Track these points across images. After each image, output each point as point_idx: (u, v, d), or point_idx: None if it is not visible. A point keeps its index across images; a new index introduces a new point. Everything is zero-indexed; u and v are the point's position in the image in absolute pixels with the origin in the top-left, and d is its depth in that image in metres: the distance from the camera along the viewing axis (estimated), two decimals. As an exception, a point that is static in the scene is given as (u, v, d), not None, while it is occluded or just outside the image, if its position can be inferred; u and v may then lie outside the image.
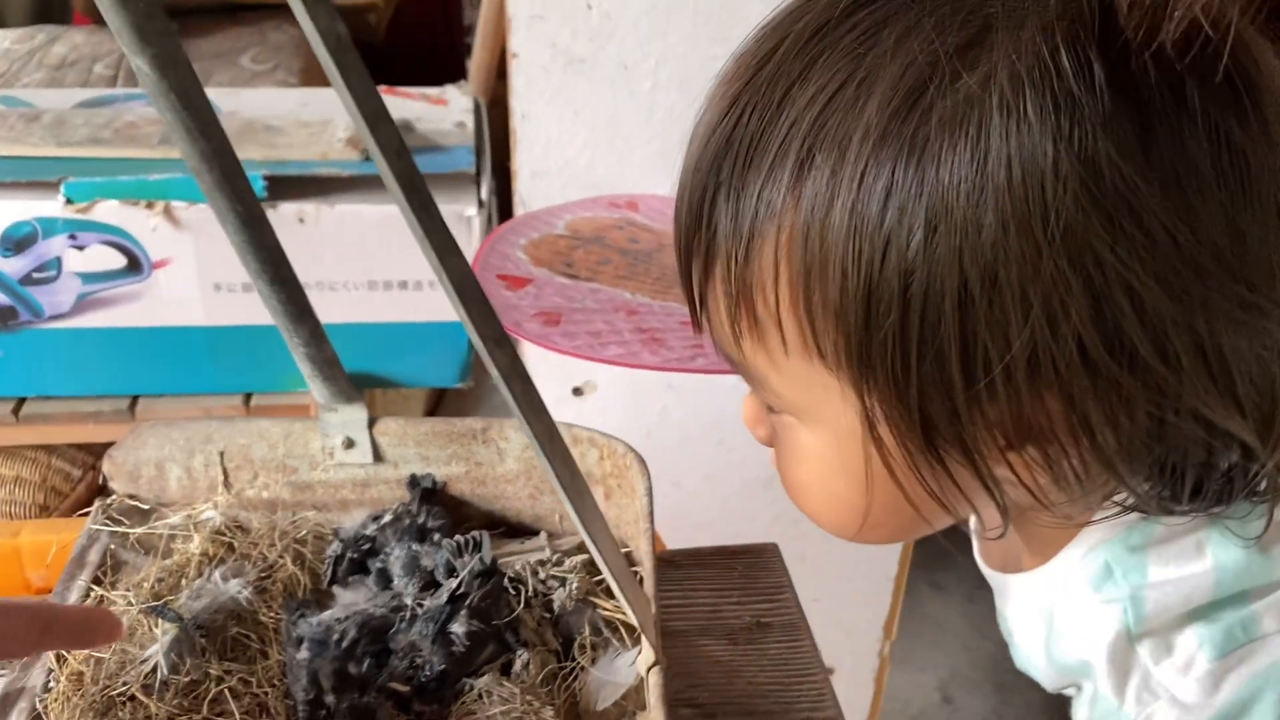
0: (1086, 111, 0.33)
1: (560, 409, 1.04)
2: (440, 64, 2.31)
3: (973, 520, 0.54)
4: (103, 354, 1.06)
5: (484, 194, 1.09)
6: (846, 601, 1.25)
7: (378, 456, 0.68)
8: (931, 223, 0.35)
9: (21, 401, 1.08)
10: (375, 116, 0.36)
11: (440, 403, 1.92)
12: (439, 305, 1.09)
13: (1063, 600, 0.45)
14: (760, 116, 0.39)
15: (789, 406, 0.43)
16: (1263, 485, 0.40)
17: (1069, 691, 0.47)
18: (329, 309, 1.09)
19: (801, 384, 0.41)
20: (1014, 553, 0.49)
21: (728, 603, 0.69)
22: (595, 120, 0.85)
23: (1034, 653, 0.47)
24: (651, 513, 0.58)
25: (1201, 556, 0.42)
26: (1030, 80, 0.34)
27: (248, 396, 1.13)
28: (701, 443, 1.04)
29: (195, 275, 1.04)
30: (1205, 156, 0.35)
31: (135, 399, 1.10)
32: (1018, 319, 0.35)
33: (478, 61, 1.55)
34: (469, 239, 1.06)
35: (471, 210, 1.05)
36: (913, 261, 0.35)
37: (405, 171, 0.37)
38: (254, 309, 1.07)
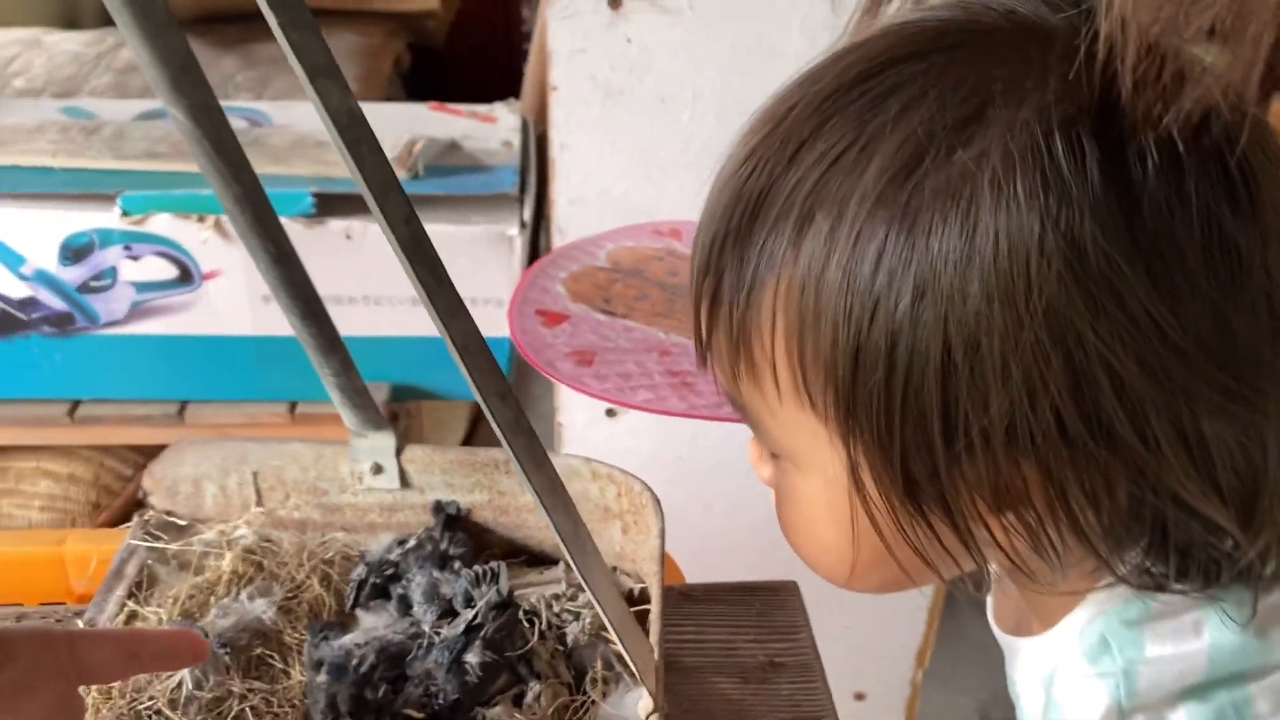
0: (1074, 193, 0.34)
1: (594, 430, 1.05)
2: (499, 70, 2.33)
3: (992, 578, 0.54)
4: (154, 360, 1.10)
5: (526, 215, 1.10)
6: (879, 628, 1.25)
7: (404, 482, 0.69)
8: (919, 289, 0.36)
9: (77, 404, 1.12)
10: (384, 187, 0.37)
11: (479, 419, 1.94)
12: (480, 322, 1.11)
13: (1060, 670, 0.45)
14: (770, 172, 0.40)
15: (783, 451, 0.44)
16: (1249, 570, 0.40)
17: None
18: (375, 323, 1.12)
19: (793, 430, 0.42)
20: (1026, 616, 0.49)
21: (743, 640, 0.70)
22: (632, 150, 0.86)
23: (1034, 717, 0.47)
24: (663, 555, 0.59)
25: (1198, 636, 0.42)
26: (1022, 160, 0.34)
27: (293, 405, 1.16)
28: (732, 469, 1.05)
29: (244, 287, 1.08)
30: (1195, 245, 0.35)
31: (184, 404, 1.14)
32: (997, 388, 0.36)
33: (530, 79, 1.57)
34: (510, 259, 1.08)
35: (513, 230, 1.07)
36: (899, 324, 0.36)
37: (414, 238, 0.39)
38: (300, 321, 1.09)
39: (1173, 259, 0.35)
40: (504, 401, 0.43)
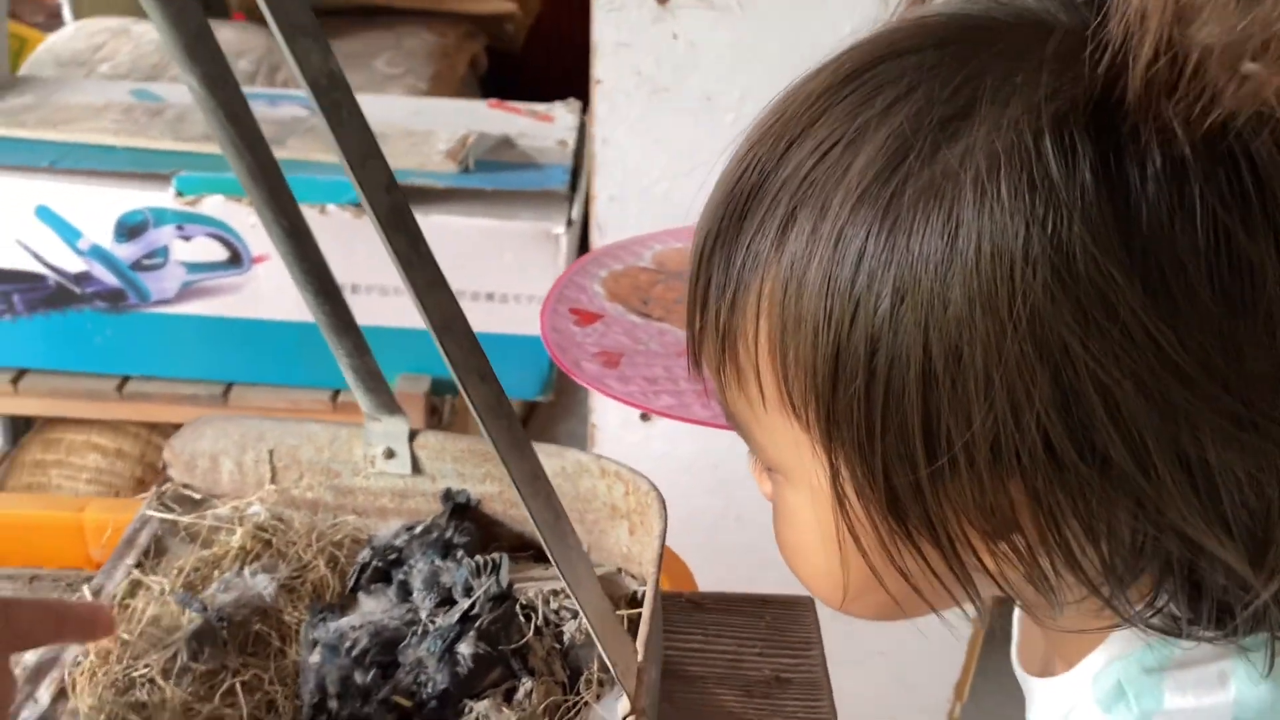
0: (1063, 195, 0.32)
1: (628, 433, 1.04)
2: (576, 77, 2.34)
3: (1015, 617, 0.52)
4: (201, 340, 1.12)
5: (574, 213, 1.10)
6: (915, 657, 1.21)
7: (416, 469, 0.69)
8: (899, 292, 0.34)
9: (126, 379, 1.15)
10: (364, 154, 0.37)
11: (529, 416, 1.94)
12: (523, 319, 1.11)
13: (1075, 715, 0.42)
14: (761, 171, 0.39)
15: (771, 462, 0.42)
16: (1265, 615, 0.37)
17: None
18: (415, 313, 1.12)
19: (779, 439, 0.41)
20: (1052, 657, 0.46)
21: (750, 653, 0.67)
22: (675, 149, 0.85)
23: None
24: (661, 557, 0.58)
25: (1224, 688, 0.39)
26: (1008, 159, 0.32)
27: (335, 393, 1.17)
28: (769, 480, 1.03)
29: (292, 272, 1.09)
30: (1199, 257, 0.32)
31: (229, 386, 1.15)
32: (980, 401, 0.33)
33: None
34: (555, 256, 1.07)
35: (560, 229, 1.07)
36: (879, 329, 0.35)
37: (394, 208, 0.38)
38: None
39: (1172, 271, 0.32)
40: (484, 382, 0.42)
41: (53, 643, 0.59)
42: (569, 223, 1.07)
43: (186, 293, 1.09)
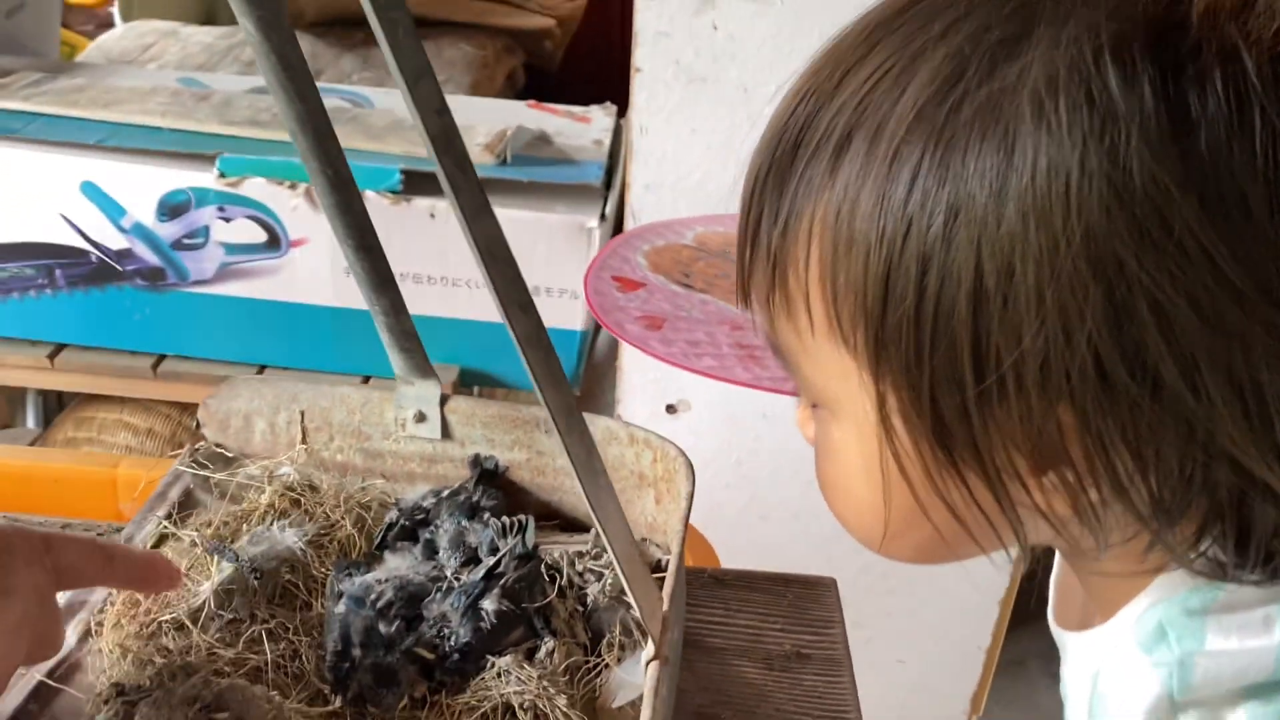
0: (1122, 110, 0.32)
1: (654, 424, 1.04)
2: (613, 93, 2.37)
3: (1053, 576, 0.52)
4: (237, 322, 1.13)
5: (609, 208, 1.11)
6: (934, 666, 1.20)
7: (446, 433, 0.70)
8: (953, 209, 0.34)
9: (161, 358, 1.16)
10: (417, 73, 0.38)
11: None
12: (555, 312, 1.12)
13: (1111, 661, 0.42)
14: (816, 100, 0.39)
15: (817, 394, 0.43)
16: None
17: None
18: (449, 303, 1.14)
19: (826, 369, 0.41)
20: (1090, 610, 0.46)
21: (771, 628, 0.67)
22: (712, 139, 0.86)
23: (1079, 717, 0.44)
24: (688, 515, 0.58)
25: (1269, 632, 0.39)
26: (1067, 76, 0.33)
27: (367, 379, 1.18)
28: (792, 481, 1.03)
29: (329, 257, 1.10)
30: (1258, 180, 0.32)
31: (263, 368, 1.17)
32: (1030, 319, 0.34)
33: None
34: (588, 249, 1.08)
35: (593, 223, 1.08)
36: (931, 247, 0.35)
37: (444, 130, 0.39)
38: (378, 295, 1.11)
39: (1230, 190, 0.32)
40: (525, 313, 0.42)
41: (102, 584, 0.58)
42: (602, 217, 1.08)
43: (224, 273, 1.10)
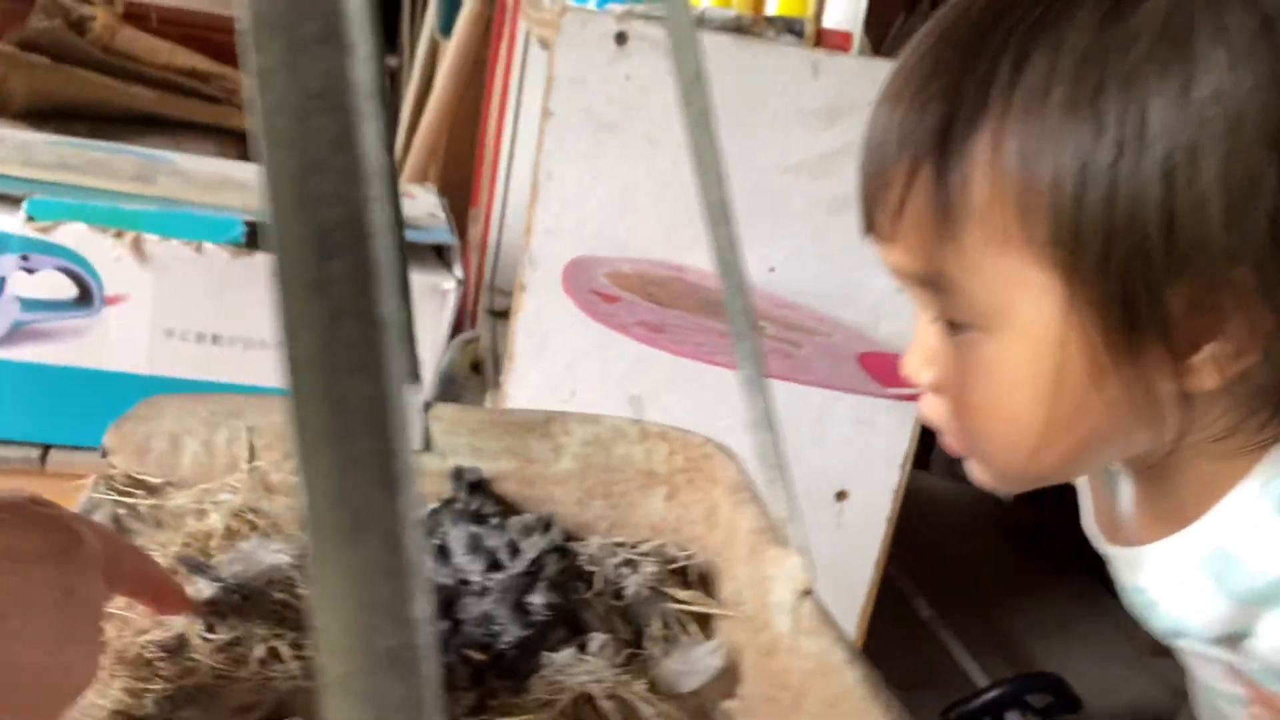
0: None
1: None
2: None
3: (1125, 490, 0.54)
4: (26, 392, 0.97)
5: (459, 272, 1.09)
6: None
7: (427, 445, 0.64)
8: (1141, 104, 0.39)
9: (-83, 438, 0.97)
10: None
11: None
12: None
13: (1240, 533, 0.46)
14: (975, 30, 0.43)
15: (978, 313, 0.44)
16: None
17: (1239, 635, 0.47)
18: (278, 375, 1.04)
19: (996, 283, 0.43)
20: (1174, 509, 0.49)
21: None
22: (613, 187, 0.88)
23: (1195, 604, 0.47)
24: (749, 484, 0.57)
25: None
26: None
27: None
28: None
29: (148, 317, 0.99)
30: None
31: (48, 449, 1.00)
32: (1215, 192, 0.38)
33: (423, 147, 1.58)
34: (442, 312, 1.05)
35: (450, 284, 1.05)
36: (1124, 134, 0.39)
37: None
38: (202, 362, 1.01)
39: None
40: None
41: (136, 598, 0.50)
42: (459, 281, 1.06)
43: (17, 334, 0.95)
